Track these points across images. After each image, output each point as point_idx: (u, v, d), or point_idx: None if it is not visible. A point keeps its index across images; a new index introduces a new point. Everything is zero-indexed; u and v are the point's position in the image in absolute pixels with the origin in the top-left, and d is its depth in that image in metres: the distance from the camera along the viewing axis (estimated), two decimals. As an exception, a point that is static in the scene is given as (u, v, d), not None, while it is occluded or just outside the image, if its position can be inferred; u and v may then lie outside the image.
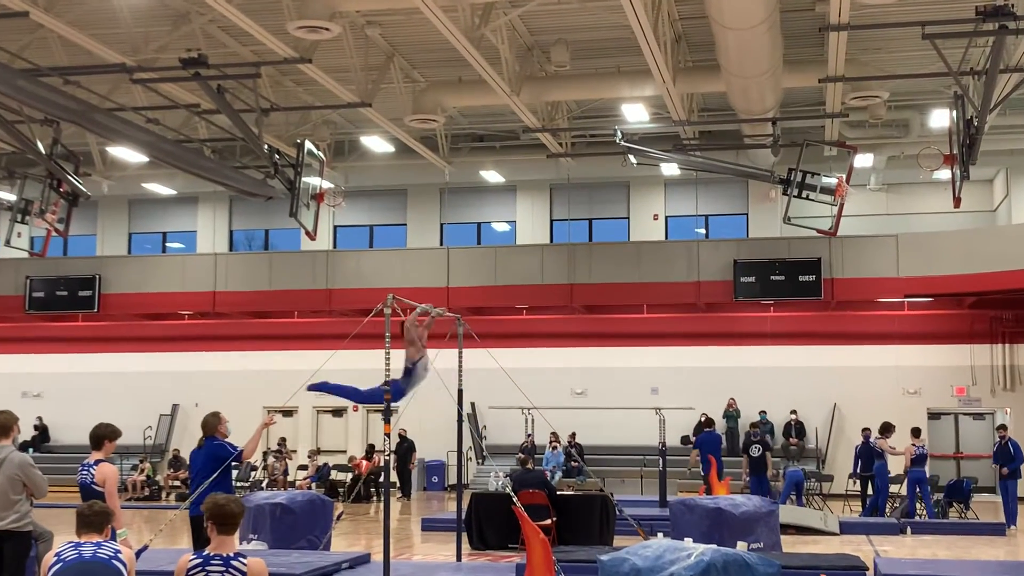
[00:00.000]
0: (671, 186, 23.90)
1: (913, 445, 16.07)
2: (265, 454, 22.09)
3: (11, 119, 14.63)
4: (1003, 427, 16.58)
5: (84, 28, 14.88)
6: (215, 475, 7.57)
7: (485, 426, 22.60)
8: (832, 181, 15.57)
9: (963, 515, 16.48)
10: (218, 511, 4.73)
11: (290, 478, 22.07)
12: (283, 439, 22.54)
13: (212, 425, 8.08)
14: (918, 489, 15.99)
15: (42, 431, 24.44)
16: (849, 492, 18.70)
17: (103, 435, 7.13)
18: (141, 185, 23.83)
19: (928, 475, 16.73)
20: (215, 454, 7.88)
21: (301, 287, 22.84)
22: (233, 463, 7.92)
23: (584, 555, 9.59)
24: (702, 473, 16.84)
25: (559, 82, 17.53)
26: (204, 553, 4.76)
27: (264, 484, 20.91)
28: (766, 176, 16.99)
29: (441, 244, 24.54)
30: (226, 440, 8.03)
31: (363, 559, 10.67)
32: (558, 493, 13.45)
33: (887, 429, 16.67)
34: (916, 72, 16.63)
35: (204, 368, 23.95)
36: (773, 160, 18.89)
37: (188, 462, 12.03)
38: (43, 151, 15.47)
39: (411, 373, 8.96)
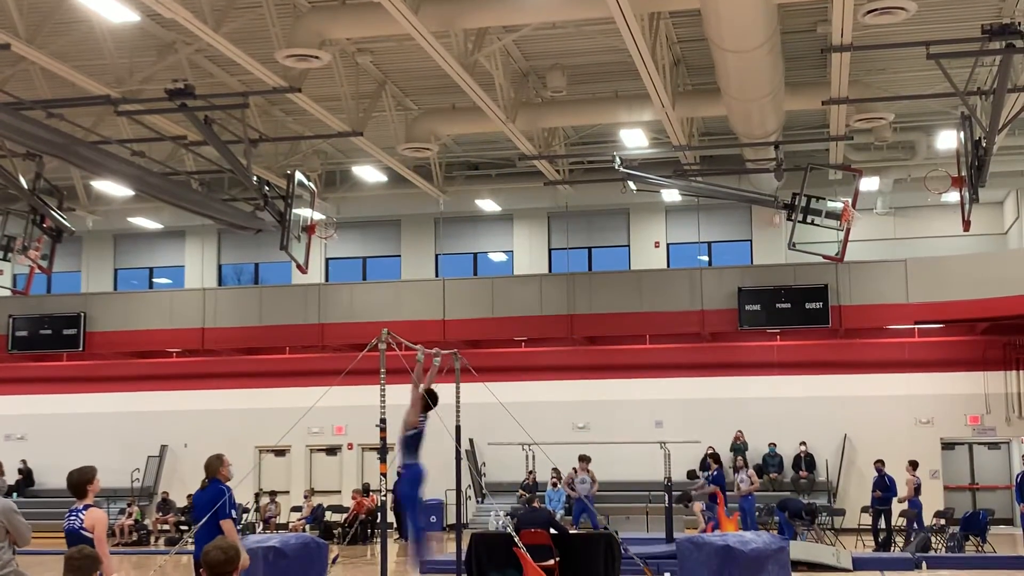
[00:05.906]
0: (672, 212, 23.57)
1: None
2: (257, 495, 21.52)
3: (-9, 153, 14.26)
4: None
5: (67, 60, 14.63)
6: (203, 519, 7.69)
7: (484, 463, 22.16)
8: (838, 205, 15.21)
9: (980, 548, 16.04)
10: (204, 558, 4.57)
11: (281, 520, 21.44)
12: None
13: (215, 467, 8.06)
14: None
15: (26, 475, 23.91)
16: (861, 526, 18.18)
17: (83, 480, 6.95)
18: (127, 219, 23.55)
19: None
20: (211, 498, 7.88)
21: (292, 322, 22.43)
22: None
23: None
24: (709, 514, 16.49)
25: (555, 108, 17.33)
26: None
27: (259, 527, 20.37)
28: (769, 201, 16.61)
29: (436, 275, 24.19)
30: (226, 483, 8.02)
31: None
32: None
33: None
34: (922, 93, 16.50)
35: (193, 407, 23.46)
36: (776, 185, 18.48)
37: (191, 504, 11.76)
38: (25, 186, 15.11)
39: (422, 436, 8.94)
